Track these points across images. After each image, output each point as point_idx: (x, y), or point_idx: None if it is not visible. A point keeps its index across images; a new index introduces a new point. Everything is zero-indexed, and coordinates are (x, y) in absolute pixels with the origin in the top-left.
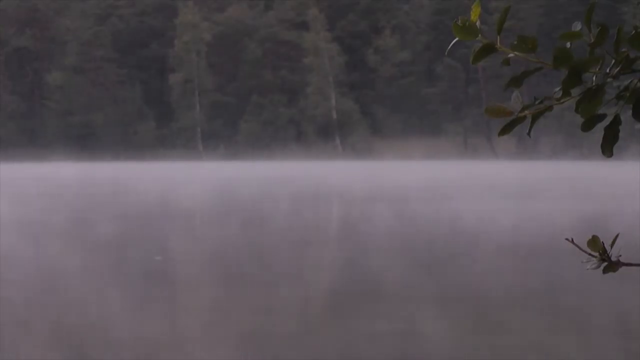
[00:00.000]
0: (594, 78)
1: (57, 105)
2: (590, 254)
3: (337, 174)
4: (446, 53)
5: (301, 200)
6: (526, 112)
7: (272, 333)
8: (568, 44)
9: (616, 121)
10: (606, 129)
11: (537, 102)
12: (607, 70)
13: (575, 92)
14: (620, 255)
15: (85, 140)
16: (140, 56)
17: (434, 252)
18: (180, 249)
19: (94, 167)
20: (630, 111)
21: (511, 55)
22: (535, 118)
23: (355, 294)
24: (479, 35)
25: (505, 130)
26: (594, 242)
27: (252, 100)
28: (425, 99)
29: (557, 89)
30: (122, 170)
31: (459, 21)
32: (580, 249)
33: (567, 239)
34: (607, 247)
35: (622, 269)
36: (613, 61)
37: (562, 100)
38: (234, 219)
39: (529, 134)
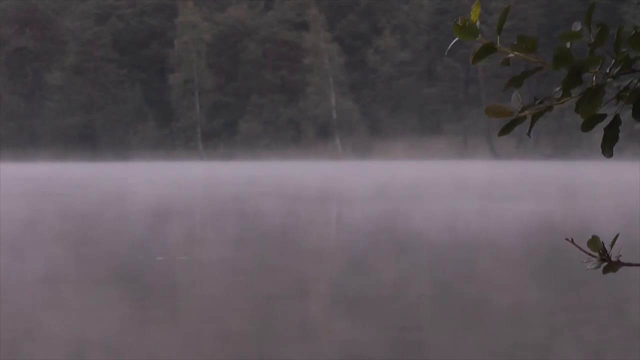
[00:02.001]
0: (594, 78)
1: (57, 105)
2: (590, 254)
3: (327, 174)
4: (446, 53)
5: (266, 201)
6: (526, 112)
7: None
8: (568, 44)
9: (616, 121)
10: (606, 129)
11: (537, 102)
12: (607, 70)
13: (575, 92)
14: (620, 255)
15: (85, 140)
16: (140, 56)
17: (339, 252)
18: (76, 248)
19: (89, 167)
20: (630, 111)
21: (511, 55)
22: (535, 118)
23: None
24: (479, 35)
25: (505, 130)
26: (594, 242)
27: (252, 100)
28: (425, 99)
29: (557, 89)
30: (114, 171)
31: (459, 21)
32: (581, 249)
33: (567, 239)
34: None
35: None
36: (613, 61)
37: (562, 100)
38: (171, 219)
39: (529, 134)
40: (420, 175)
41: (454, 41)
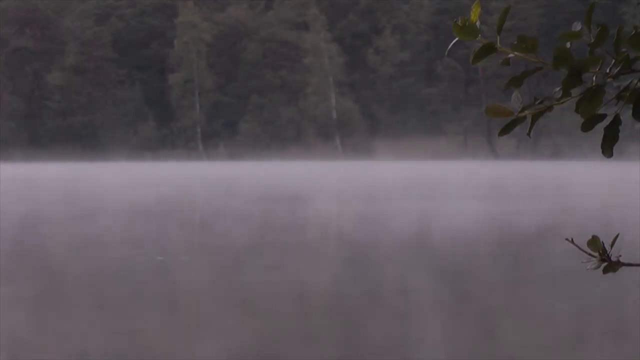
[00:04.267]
0: (594, 78)
1: (57, 105)
2: (590, 254)
3: (316, 174)
4: (446, 53)
5: (220, 201)
6: (526, 112)
7: None
8: (568, 44)
9: (616, 121)
10: (606, 129)
11: (537, 102)
12: (607, 70)
13: (575, 92)
14: (620, 255)
15: (85, 140)
16: (140, 56)
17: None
18: None
19: (79, 167)
20: (630, 111)
21: (511, 55)
22: (535, 118)
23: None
24: (479, 35)
25: (505, 130)
26: (594, 242)
27: (252, 100)
28: (425, 99)
29: (557, 89)
30: (100, 171)
31: (459, 21)
32: (581, 249)
33: (567, 239)
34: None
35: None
36: (613, 61)
37: (562, 100)
38: (99, 220)
39: (529, 134)
40: (409, 174)
41: (454, 41)
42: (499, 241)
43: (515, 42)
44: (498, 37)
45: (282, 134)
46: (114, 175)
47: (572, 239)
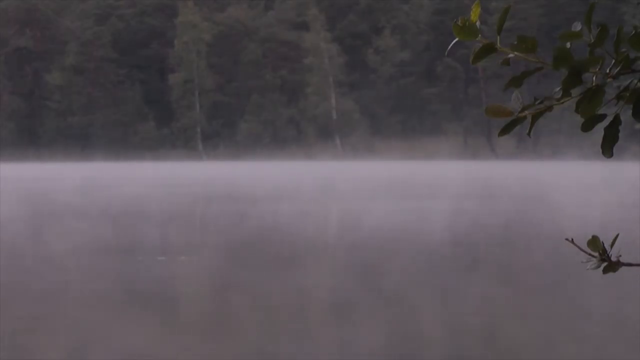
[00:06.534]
0: (594, 78)
1: (57, 105)
2: (590, 254)
3: (304, 175)
4: (446, 53)
5: (178, 201)
6: (526, 112)
7: None
8: (568, 44)
9: (616, 121)
10: (606, 129)
11: (537, 102)
12: (607, 70)
13: (575, 92)
14: (620, 255)
15: (85, 140)
16: (140, 56)
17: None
18: None
19: (78, 167)
20: (630, 111)
21: (511, 55)
22: (535, 118)
23: None
24: (479, 35)
25: (505, 130)
26: (594, 242)
27: (252, 100)
28: (425, 99)
29: (557, 89)
30: (95, 171)
31: (459, 21)
32: (581, 249)
33: (567, 239)
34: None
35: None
36: (613, 61)
37: (562, 100)
38: (38, 220)
39: (529, 134)
40: (403, 175)
41: (454, 41)
42: (456, 241)
43: (515, 42)
44: (498, 37)
45: (282, 134)
46: (100, 175)
47: (572, 239)
